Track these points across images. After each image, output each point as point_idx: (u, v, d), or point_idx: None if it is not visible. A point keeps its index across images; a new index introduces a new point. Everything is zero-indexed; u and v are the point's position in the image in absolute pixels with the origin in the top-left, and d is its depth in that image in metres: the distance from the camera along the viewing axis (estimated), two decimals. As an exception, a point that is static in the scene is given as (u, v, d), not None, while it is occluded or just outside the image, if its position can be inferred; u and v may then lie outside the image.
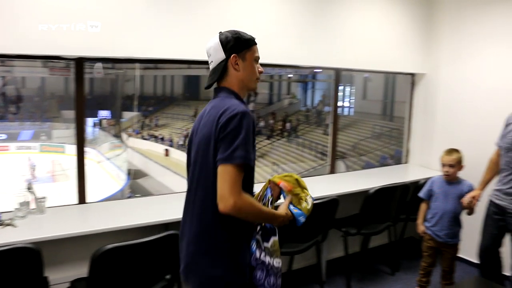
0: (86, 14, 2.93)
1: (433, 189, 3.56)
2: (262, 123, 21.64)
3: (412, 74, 5.07)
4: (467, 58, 4.42)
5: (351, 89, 21.38)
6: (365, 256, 4.50)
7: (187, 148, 1.98)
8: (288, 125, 21.50)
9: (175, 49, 3.33)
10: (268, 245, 1.91)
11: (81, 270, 2.54)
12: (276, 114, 22.32)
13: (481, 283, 3.14)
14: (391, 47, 4.60)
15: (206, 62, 3.78)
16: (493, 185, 3.30)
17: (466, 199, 3.28)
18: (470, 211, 3.31)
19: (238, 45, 1.85)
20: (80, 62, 3.13)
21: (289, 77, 24.41)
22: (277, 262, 1.92)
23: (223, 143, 1.69)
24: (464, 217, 3.43)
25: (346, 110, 21.49)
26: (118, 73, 24.77)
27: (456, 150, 3.49)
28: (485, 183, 3.34)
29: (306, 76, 23.01)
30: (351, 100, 21.65)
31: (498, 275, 3.27)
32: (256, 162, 1.97)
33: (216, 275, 1.77)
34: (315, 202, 2.13)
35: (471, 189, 3.38)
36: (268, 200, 2.02)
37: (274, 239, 1.94)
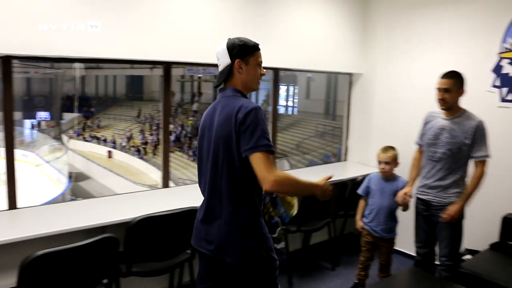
0: (15, 10, 2.78)
1: (370, 186, 3.67)
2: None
3: (350, 74, 5.18)
4: (401, 58, 4.58)
5: (294, 89, 21.69)
6: (306, 253, 4.56)
7: (198, 143, 2.25)
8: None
9: (113, 48, 3.23)
10: (275, 235, 2.43)
11: (10, 280, 2.41)
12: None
13: (414, 273, 3.27)
14: (329, 47, 4.68)
15: (147, 62, 3.76)
16: (417, 182, 3.42)
17: (399, 197, 3.39)
18: (405, 207, 3.42)
19: (242, 51, 2.11)
20: (7, 61, 2.97)
21: (234, 77, 24.37)
22: (280, 246, 2.46)
23: (245, 135, 1.95)
24: (399, 212, 3.55)
25: (290, 109, 21.79)
26: (57, 72, 23.88)
27: (391, 148, 3.61)
28: (413, 180, 3.46)
29: (251, 76, 23.10)
30: (294, 100, 21.97)
31: (430, 265, 3.41)
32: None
33: (250, 245, 2.07)
34: None
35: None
36: (268, 202, 2.47)
37: (278, 230, 2.48)
